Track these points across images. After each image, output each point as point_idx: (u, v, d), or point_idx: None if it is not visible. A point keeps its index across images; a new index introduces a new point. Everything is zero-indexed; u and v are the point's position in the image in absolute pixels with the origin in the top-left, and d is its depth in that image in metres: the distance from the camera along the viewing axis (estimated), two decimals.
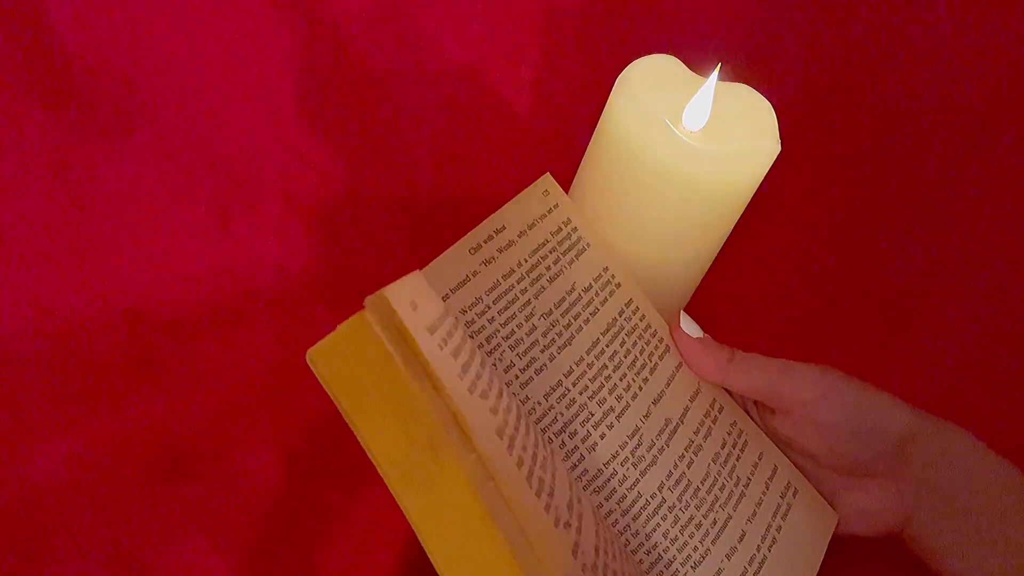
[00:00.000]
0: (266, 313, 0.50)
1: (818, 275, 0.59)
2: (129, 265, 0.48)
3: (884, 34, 0.56)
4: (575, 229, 0.41)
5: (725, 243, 0.45)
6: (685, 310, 0.43)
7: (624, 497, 0.37)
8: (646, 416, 0.39)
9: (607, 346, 0.40)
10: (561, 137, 0.54)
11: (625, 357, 0.40)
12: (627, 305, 0.41)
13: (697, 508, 0.39)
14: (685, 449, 0.40)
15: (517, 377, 0.37)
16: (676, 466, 0.39)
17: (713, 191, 0.40)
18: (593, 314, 0.40)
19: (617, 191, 0.42)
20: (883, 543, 0.43)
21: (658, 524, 0.37)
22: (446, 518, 0.28)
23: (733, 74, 0.42)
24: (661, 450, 0.39)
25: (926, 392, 0.55)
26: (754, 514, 0.40)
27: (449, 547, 0.28)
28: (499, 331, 0.37)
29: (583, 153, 0.44)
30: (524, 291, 0.38)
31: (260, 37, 0.49)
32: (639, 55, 0.42)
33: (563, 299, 0.39)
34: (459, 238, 0.38)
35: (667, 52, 0.43)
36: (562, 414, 0.37)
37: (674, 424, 0.40)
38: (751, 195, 0.42)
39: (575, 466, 0.37)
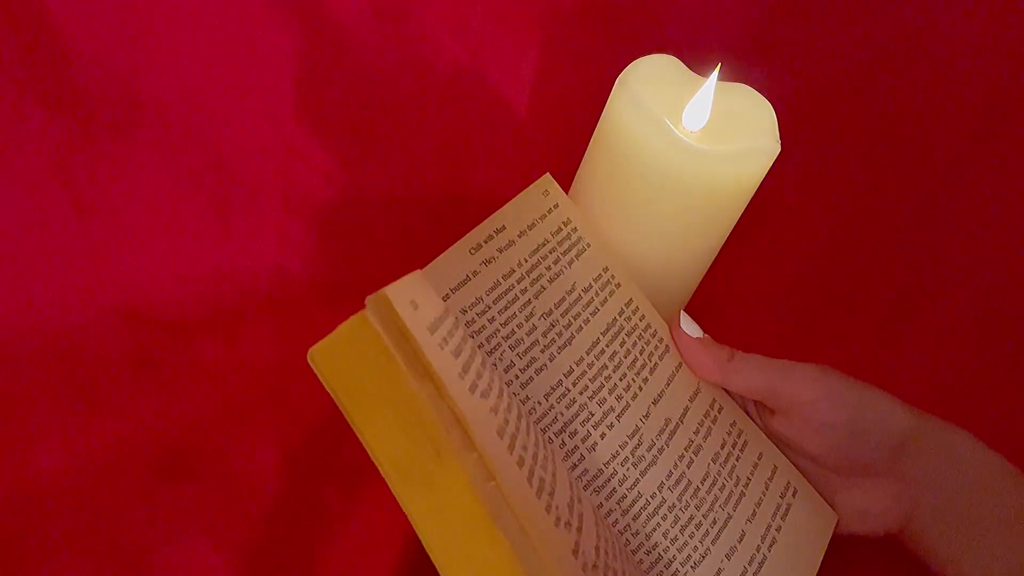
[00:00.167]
0: (266, 313, 0.50)
1: (818, 275, 0.59)
2: (129, 265, 0.48)
3: (884, 34, 0.56)
4: (575, 229, 0.41)
5: (725, 243, 0.45)
6: (685, 310, 0.43)
7: (624, 497, 0.37)
8: (646, 416, 0.39)
9: (607, 346, 0.40)
10: (561, 137, 0.54)
11: (625, 357, 0.40)
12: (627, 305, 0.41)
13: (697, 508, 0.39)
14: (685, 449, 0.40)
15: (517, 377, 0.37)
16: (676, 466, 0.39)
17: (713, 191, 0.40)
18: (593, 314, 0.40)
19: (617, 191, 0.42)
20: (883, 543, 0.43)
21: (658, 524, 0.38)
22: (447, 518, 0.28)
23: (733, 74, 0.42)
24: (661, 450, 0.39)
25: (926, 392, 0.55)
26: (754, 514, 0.40)
27: (450, 547, 0.28)
28: (499, 331, 0.37)
29: (583, 153, 0.44)
30: (524, 291, 0.38)
31: (260, 37, 0.49)
32: (639, 55, 0.42)
33: (563, 299, 0.39)
34: (459, 238, 0.38)
35: (667, 52, 0.43)
36: (562, 414, 0.37)
37: (674, 424, 0.40)
38: (751, 195, 0.42)
39: (575, 466, 0.37)
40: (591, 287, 0.41)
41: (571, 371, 0.38)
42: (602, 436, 0.38)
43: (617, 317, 0.41)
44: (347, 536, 0.50)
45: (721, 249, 0.45)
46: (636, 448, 0.38)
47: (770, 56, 0.56)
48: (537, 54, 0.54)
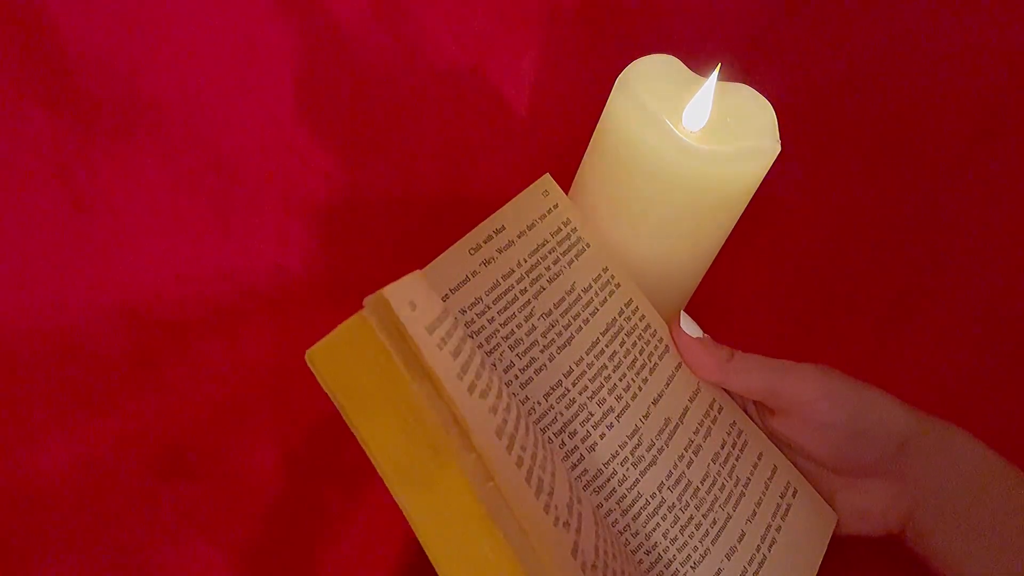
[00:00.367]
0: (266, 313, 0.50)
1: (818, 275, 0.59)
2: (129, 265, 0.48)
3: (884, 34, 0.56)
4: (575, 229, 0.41)
5: (725, 243, 0.45)
6: (685, 310, 0.43)
7: (624, 497, 0.37)
8: (646, 416, 0.39)
9: (607, 346, 0.40)
10: (561, 137, 0.54)
11: (625, 357, 0.40)
12: (627, 305, 0.41)
13: (697, 508, 0.39)
14: (685, 449, 0.40)
15: (517, 377, 0.37)
16: (676, 466, 0.39)
17: (713, 191, 0.40)
18: (593, 314, 0.40)
19: (617, 191, 0.42)
20: (883, 543, 0.43)
21: (658, 524, 0.37)
22: (445, 518, 0.28)
23: (733, 74, 0.42)
24: (661, 450, 0.39)
25: (926, 392, 0.55)
26: (754, 514, 0.40)
27: (448, 547, 0.28)
28: (499, 331, 0.37)
29: (583, 153, 0.44)
30: (524, 291, 0.38)
31: (260, 37, 0.49)
32: (639, 55, 0.42)
33: (563, 299, 0.39)
34: (459, 238, 0.38)
35: (667, 52, 0.43)
36: (562, 414, 0.37)
37: (674, 424, 0.40)
38: (751, 195, 0.42)
39: (575, 466, 0.37)
40: (591, 287, 0.41)
41: (571, 371, 0.38)
42: (602, 436, 0.38)
43: (617, 317, 0.41)
44: (347, 536, 0.50)
45: (721, 249, 0.45)
46: (636, 448, 0.38)
47: (770, 56, 0.56)
48: (537, 54, 0.54)
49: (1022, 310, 0.56)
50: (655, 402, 0.40)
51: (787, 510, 0.42)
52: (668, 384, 0.41)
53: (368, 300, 0.28)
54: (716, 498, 0.40)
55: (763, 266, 0.58)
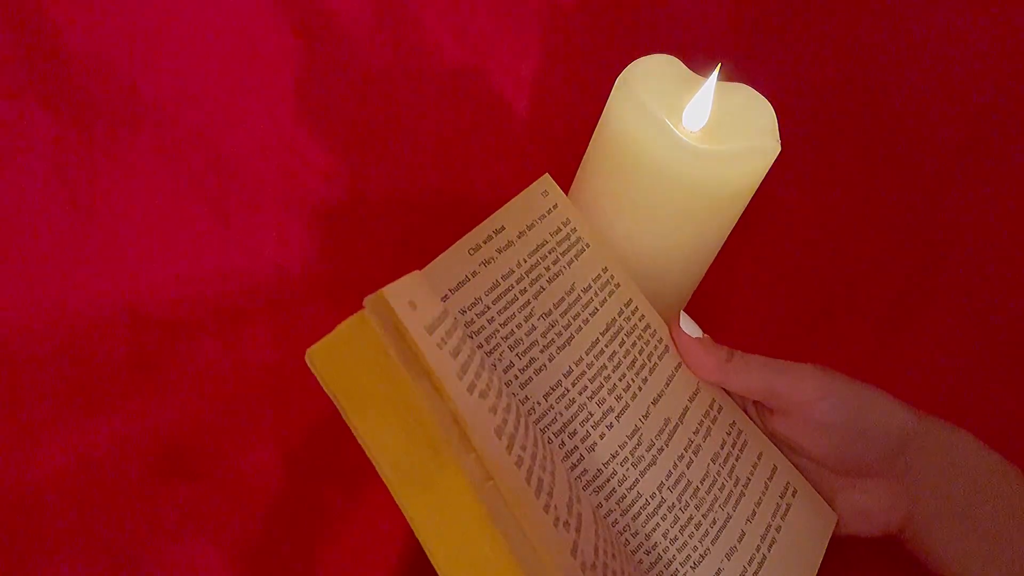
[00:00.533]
0: (266, 313, 0.50)
1: (818, 275, 0.59)
2: (129, 265, 0.48)
3: (884, 34, 0.56)
4: (574, 229, 0.41)
5: (725, 243, 0.45)
6: (685, 310, 0.43)
7: (624, 497, 0.37)
8: (645, 416, 0.39)
9: (606, 346, 0.40)
10: (561, 137, 0.54)
11: (624, 357, 0.40)
12: (626, 305, 0.41)
13: (696, 508, 0.39)
14: (684, 449, 0.40)
15: (516, 377, 0.37)
16: (675, 466, 0.39)
17: (713, 191, 0.40)
18: (592, 314, 0.40)
19: (617, 191, 0.42)
20: (883, 543, 0.43)
21: (658, 524, 0.37)
22: (445, 518, 0.28)
23: (733, 74, 0.42)
24: (660, 450, 0.39)
25: (926, 392, 0.55)
26: (753, 514, 0.40)
27: (448, 547, 0.28)
28: (498, 331, 0.37)
29: (583, 153, 0.44)
30: (523, 291, 0.38)
31: (260, 37, 0.49)
32: (639, 55, 0.42)
33: (562, 299, 0.39)
34: (459, 238, 0.38)
35: (667, 52, 0.43)
36: (561, 414, 0.37)
37: (673, 424, 0.40)
38: (751, 195, 0.42)
39: (575, 466, 0.37)
40: (590, 287, 0.41)
41: (570, 371, 0.38)
42: (601, 436, 0.38)
43: (616, 317, 0.41)
44: (347, 536, 0.50)
45: (721, 249, 0.45)
46: (635, 448, 0.38)
47: (770, 56, 0.56)
48: (537, 54, 0.54)
49: (1022, 310, 0.56)
50: (655, 402, 0.40)
51: (787, 510, 0.42)
52: (668, 384, 0.41)
53: (368, 300, 0.28)
54: (716, 498, 0.40)
55: (763, 266, 0.58)
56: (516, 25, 0.53)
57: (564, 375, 0.38)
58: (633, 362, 0.40)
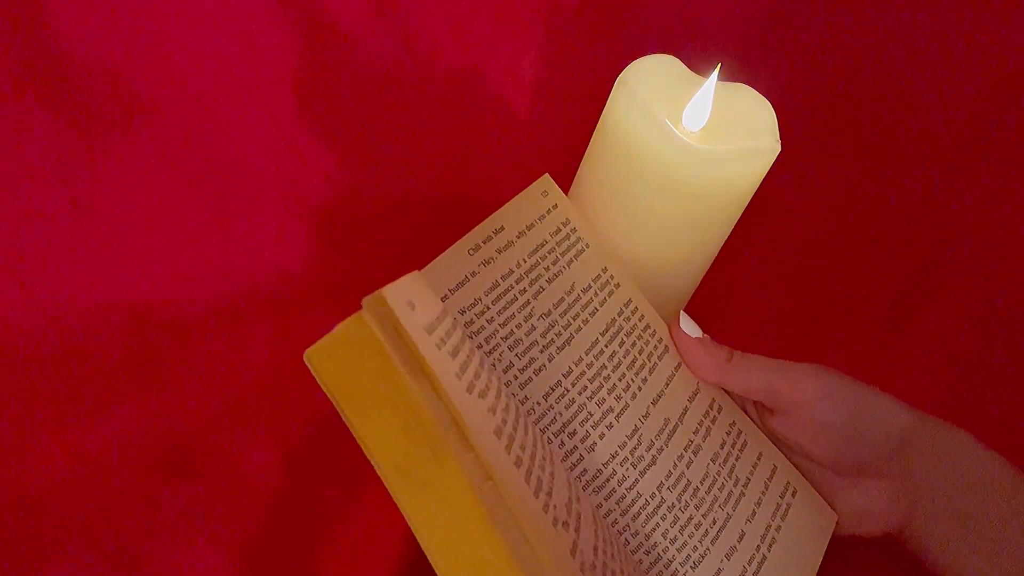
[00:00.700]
0: (266, 313, 0.50)
1: (818, 275, 0.59)
2: (129, 265, 0.48)
3: (884, 34, 0.56)
4: (574, 230, 0.41)
5: (725, 243, 0.45)
6: (685, 310, 0.43)
7: (623, 497, 0.37)
8: (645, 416, 0.39)
9: (606, 346, 0.40)
10: (561, 137, 0.54)
11: (624, 357, 0.40)
12: (626, 305, 0.41)
13: (696, 508, 0.39)
14: (684, 449, 0.40)
15: (516, 377, 0.37)
16: (675, 466, 0.39)
17: (713, 191, 0.40)
18: (592, 314, 0.40)
19: (617, 191, 0.42)
20: (883, 543, 0.43)
21: (657, 524, 0.37)
22: (444, 518, 0.28)
23: (733, 74, 0.42)
24: (660, 450, 0.39)
25: (926, 392, 0.55)
26: (753, 514, 0.40)
27: (447, 547, 0.28)
28: (498, 331, 0.37)
29: (583, 153, 0.44)
30: (523, 291, 0.38)
31: (260, 37, 0.49)
32: (639, 55, 0.42)
33: (562, 299, 0.39)
34: (459, 238, 0.38)
35: (667, 52, 0.43)
36: (561, 414, 0.37)
37: (673, 424, 0.40)
38: (751, 195, 0.42)
39: (574, 466, 0.37)
40: (590, 287, 0.41)
41: (570, 371, 0.38)
42: (601, 436, 0.38)
43: (616, 317, 0.41)
44: (347, 536, 0.50)
45: (721, 249, 0.45)
46: (635, 448, 0.38)
47: (770, 56, 0.56)
48: (537, 54, 0.54)
49: (1022, 310, 0.56)
50: (654, 402, 0.40)
51: (787, 510, 0.42)
52: (668, 384, 0.41)
53: (367, 300, 0.28)
54: (716, 498, 0.40)
55: (763, 266, 0.58)
56: (516, 25, 0.53)
57: (564, 375, 0.38)
58: (633, 362, 0.40)
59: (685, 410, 0.41)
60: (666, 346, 0.42)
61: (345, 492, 0.50)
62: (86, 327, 0.46)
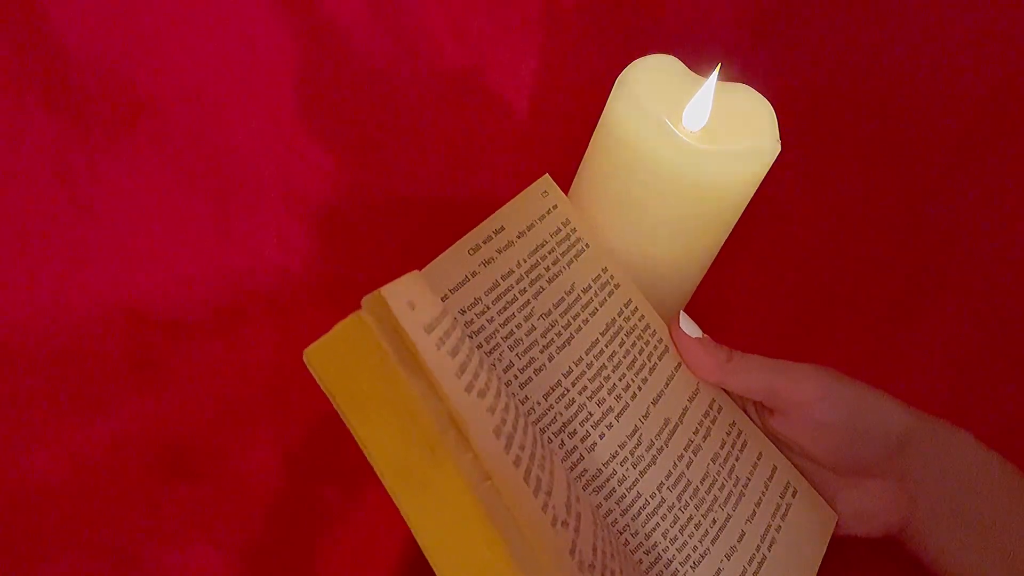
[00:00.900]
0: (266, 313, 0.50)
1: (818, 275, 0.59)
2: (129, 265, 0.48)
3: (884, 34, 0.56)
4: (574, 230, 0.41)
5: (725, 243, 0.45)
6: (685, 310, 0.43)
7: (623, 497, 0.37)
8: (645, 416, 0.39)
9: (606, 346, 0.40)
10: (561, 137, 0.54)
11: (624, 357, 0.40)
12: (626, 305, 0.41)
13: (696, 508, 0.39)
14: (684, 449, 0.40)
15: (516, 377, 0.37)
16: (675, 466, 0.39)
17: (713, 191, 0.40)
18: (592, 314, 0.40)
19: (617, 191, 0.42)
20: (883, 543, 0.43)
21: (657, 524, 0.37)
22: (443, 518, 0.28)
23: (733, 74, 0.42)
24: (660, 450, 0.39)
25: (926, 392, 0.55)
26: (753, 514, 0.40)
27: (446, 547, 0.28)
28: (498, 331, 0.37)
29: (583, 153, 0.44)
30: (523, 291, 0.38)
31: (260, 37, 0.49)
32: (639, 55, 0.42)
33: (562, 299, 0.39)
34: (459, 238, 0.38)
35: (667, 52, 0.43)
36: (561, 414, 0.37)
37: (673, 424, 0.40)
38: (751, 195, 0.42)
39: (574, 466, 0.37)
40: (590, 287, 0.41)
41: (570, 371, 0.38)
42: (601, 436, 0.38)
43: (616, 317, 0.41)
44: (347, 536, 0.50)
45: (721, 249, 0.45)
46: (635, 448, 0.38)
47: (770, 56, 0.56)
48: (537, 54, 0.54)
49: (1022, 310, 0.56)
50: (654, 402, 0.40)
51: (787, 510, 0.42)
52: (667, 384, 0.41)
53: (366, 300, 0.28)
54: (716, 498, 0.40)
55: (763, 266, 0.58)
56: (516, 25, 0.53)
57: (564, 375, 0.38)
58: (633, 362, 0.40)
59: (685, 410, 0.41)
60: (666, 346, 0.42)
61: (345, 492, 0.50)
62: (86, 327, 0.46)
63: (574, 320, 0.39)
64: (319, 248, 0.51)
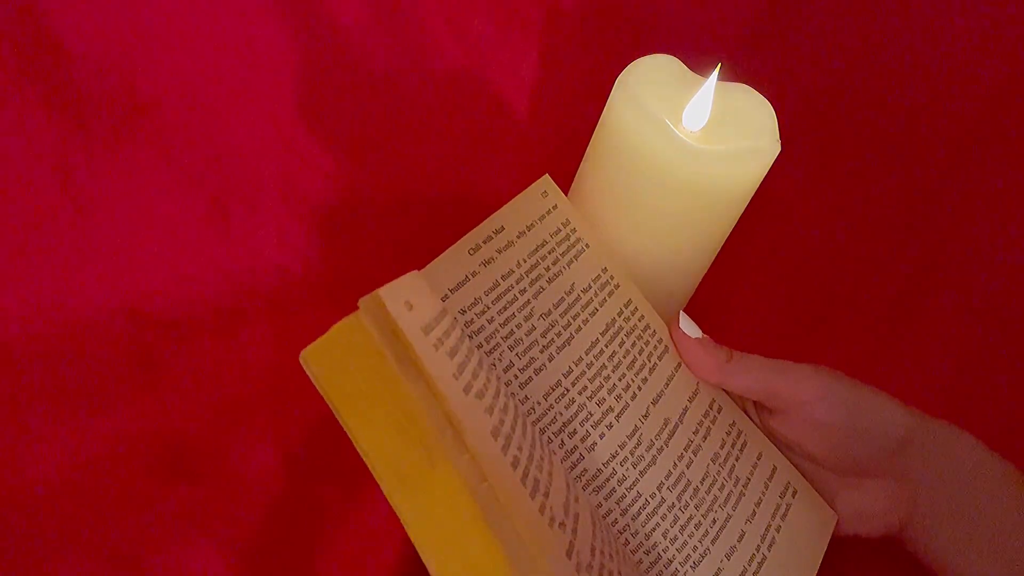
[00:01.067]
0: (266, 313, 0.50)
1: (818, 275, 0.59)
2: (129, 265, 0.48)
3: (884, 34, 0.56)
4: (574, 230, 0.41)
5: (725, 243, 0.45)
6: (685, 310, 0.43)
7: (623, 497, 0.37)
8: (645, 416, 0.39)
9: (606, 346, 0.40)
10: (561, 137, 0.54)
11: (624, 357, 0.40)
12: (626, 305, 0.41)
13: (696, 508, 0.39)
14: (684, 449, 0.40)
15: (516, 377, 0.37)
16: (675, 466, 0.39)
17: (713, 191, 0.40)
18: (592, 314, 0.40)
19: (617, 191, 0.42)
20: (883, 543, 0.43)
21: (657, 524, 0.37)
22: (439, 519, 0.28)
23: (733, 74, 0.42)
24: (660, 450, 0.39)
25: (926, 392, 0.55)
26: (753, 514, 0.40)
27: (442, 548, 0.28)
28: (498, 331, 0.37)
29: (583, 153, 0.44)
30: (523, 291, 0.38)
31: (260, 37, 0.49)
32: (639, 55, 0.42)
33: (562, 299, 0.39)
34: (459, 238, 0.38)
35: (667, 52, 0.43)
36: (561, 414, 0.37)
37: (673, 424, 0.40)
38: (751, 195, 0.42)
39: (574, 466, 0.37)
40: (590, 287, 0.41)
41: (570, 371, 0.38)
42: (601, 436, 0.38)
43: (616, 317, 0.41)
44: (347, 536, 0.50)
45: (721, 249, 0.45)
46: (635, 448, 0.38)
47: (770, 56, 0.56)
48: (537, 54, 0.54)
49: (1022, 310, 0.56)
50: (654, 402, 0.40)
51: (787, 510, 0.42)
52: (667, 384, 0.41)
53: (363, 300, 0.28)
54: (716, 498, 0.40)
55: (763, 266, 0.58)
56: (516, 25, 0.53)
57: (564, 375, 0.38)
58: (633, 362, 0.40)
59: (685, 410, 0.41)
60: (666, 346, 0.42)
61: (345, 492, 0.50)
62: (86, 327, 0.46)
63: (574, 320, 0.39)
64: (319, 248, 0.51)
